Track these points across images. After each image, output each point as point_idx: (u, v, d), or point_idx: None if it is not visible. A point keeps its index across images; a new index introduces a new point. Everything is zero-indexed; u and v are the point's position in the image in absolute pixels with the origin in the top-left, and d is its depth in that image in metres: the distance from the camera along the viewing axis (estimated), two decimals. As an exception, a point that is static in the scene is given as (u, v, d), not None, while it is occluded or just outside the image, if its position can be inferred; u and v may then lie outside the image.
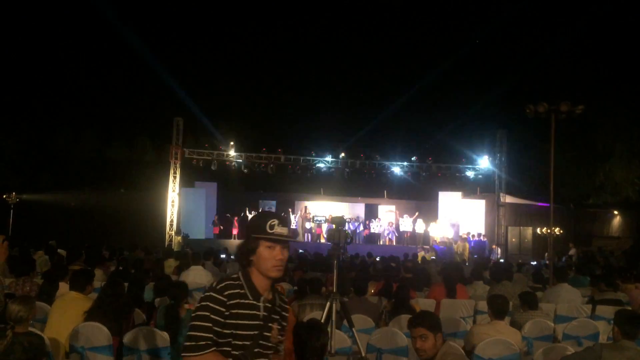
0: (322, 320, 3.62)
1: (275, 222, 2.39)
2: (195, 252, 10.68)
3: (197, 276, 8.12)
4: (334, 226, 3.84)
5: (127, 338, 4.75)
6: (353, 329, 4.22)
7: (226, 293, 2.36)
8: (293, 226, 22.68)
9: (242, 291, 2.39)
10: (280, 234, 2.40)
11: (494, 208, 21.72)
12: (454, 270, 7.85)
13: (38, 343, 4.16)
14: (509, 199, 21.79)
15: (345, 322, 4.49)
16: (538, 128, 23.10)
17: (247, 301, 2.39)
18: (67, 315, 5.03)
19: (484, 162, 21.58)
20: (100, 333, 4.70)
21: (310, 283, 6.40)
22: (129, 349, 4.75)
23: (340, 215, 4.51)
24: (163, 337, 4.75)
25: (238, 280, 2.44)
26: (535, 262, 14.68)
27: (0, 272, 2.87)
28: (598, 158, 28.38)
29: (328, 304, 3.72)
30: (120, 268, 8.43)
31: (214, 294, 2.36)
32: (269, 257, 2.40)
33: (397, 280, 7.39)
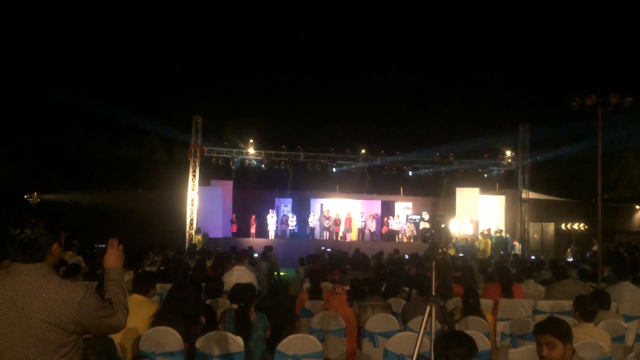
0: (422, 327, 3.43)
1: None
2: (239, 251, 10.51)
3: (240, 276, 7.98)
4: (428, 225, 3.65)
5: (199, 343, 4.59)
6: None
7: None
8: (312, 225, 22.56)
9: None
10: None
11: (514, 204, 21.45)
12: (506, 269, 7.66)
13: (109, 346, 4.02)
14: (531, 195, 21.53)
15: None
16: (557, 123, 22.94)
17: None
18: (132, 319, 4.82)
19: (506, 158, 21.30)
20: (172, 338, 4.54)
21: (369, 283, 6.24)
22: (201, 355, 4.59)
23: (439, 214, 4.32)
24: (237, 342, 4.58)
25: None
26: (571, 259, 14.48)
27: (124, 279, 2.69)
28: (612, 152, 28.12)
29: (428, 308, 3.52)
30: (162, 268, 8.28)
31: None
32: None
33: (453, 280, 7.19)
